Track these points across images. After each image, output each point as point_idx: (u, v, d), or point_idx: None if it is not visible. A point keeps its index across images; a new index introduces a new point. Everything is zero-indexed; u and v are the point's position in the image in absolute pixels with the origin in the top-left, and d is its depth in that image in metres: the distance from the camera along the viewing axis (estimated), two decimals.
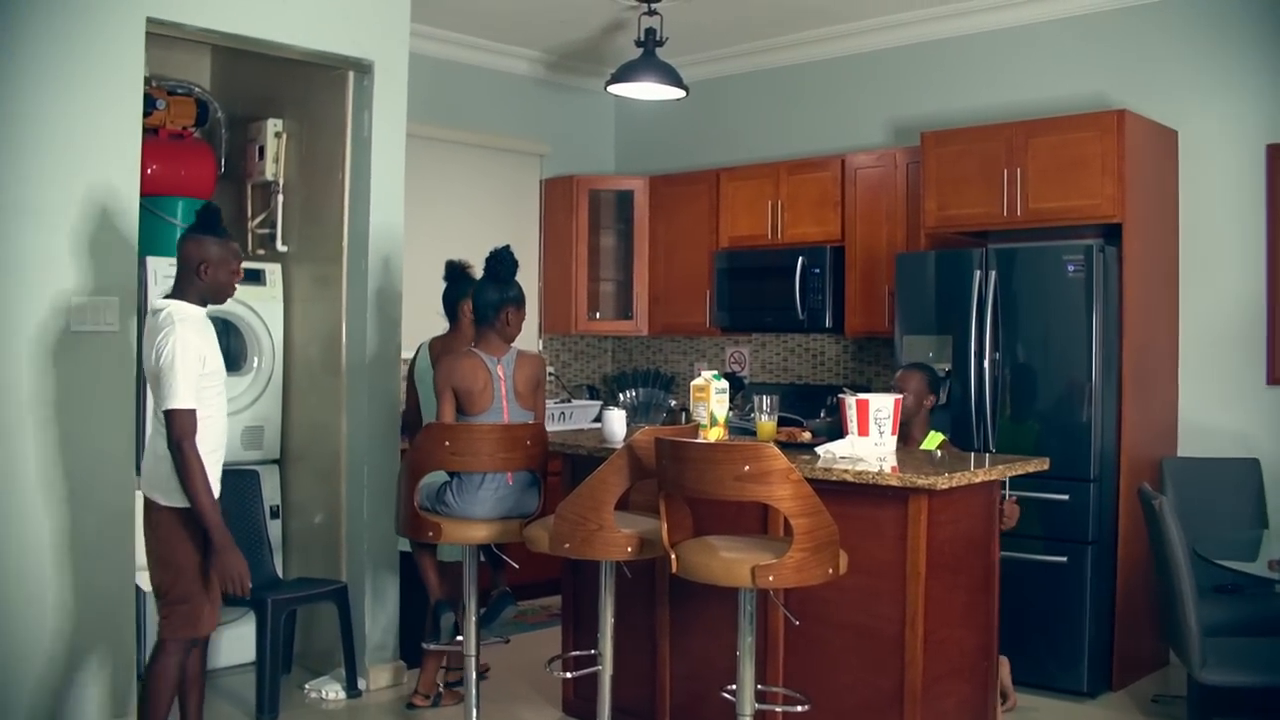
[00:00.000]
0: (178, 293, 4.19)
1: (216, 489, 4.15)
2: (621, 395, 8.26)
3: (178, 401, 3.97)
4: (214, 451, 4.16)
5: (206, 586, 4.15)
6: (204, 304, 4.22)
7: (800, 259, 7.14)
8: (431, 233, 7.24)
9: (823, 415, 7.07)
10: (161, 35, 5.03)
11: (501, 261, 4.95)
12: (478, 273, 5.12)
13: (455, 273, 5.63)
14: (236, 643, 5.79)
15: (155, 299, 4.25)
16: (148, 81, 5.00)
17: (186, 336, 4.02)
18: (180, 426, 3.97)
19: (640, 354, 8.69)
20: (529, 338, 8.16)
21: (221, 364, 4.26)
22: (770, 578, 3.69)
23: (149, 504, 4.14)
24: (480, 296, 4.94)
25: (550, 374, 8.28)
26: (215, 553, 4.04)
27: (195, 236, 4.20)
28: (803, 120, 7.78)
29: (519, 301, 4.96)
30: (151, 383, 4.08)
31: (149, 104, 5.54)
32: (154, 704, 4.15)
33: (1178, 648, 4.45)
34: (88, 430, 4.69)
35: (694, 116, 8.16)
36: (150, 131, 5.67)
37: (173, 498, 4.07)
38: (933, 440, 5.26)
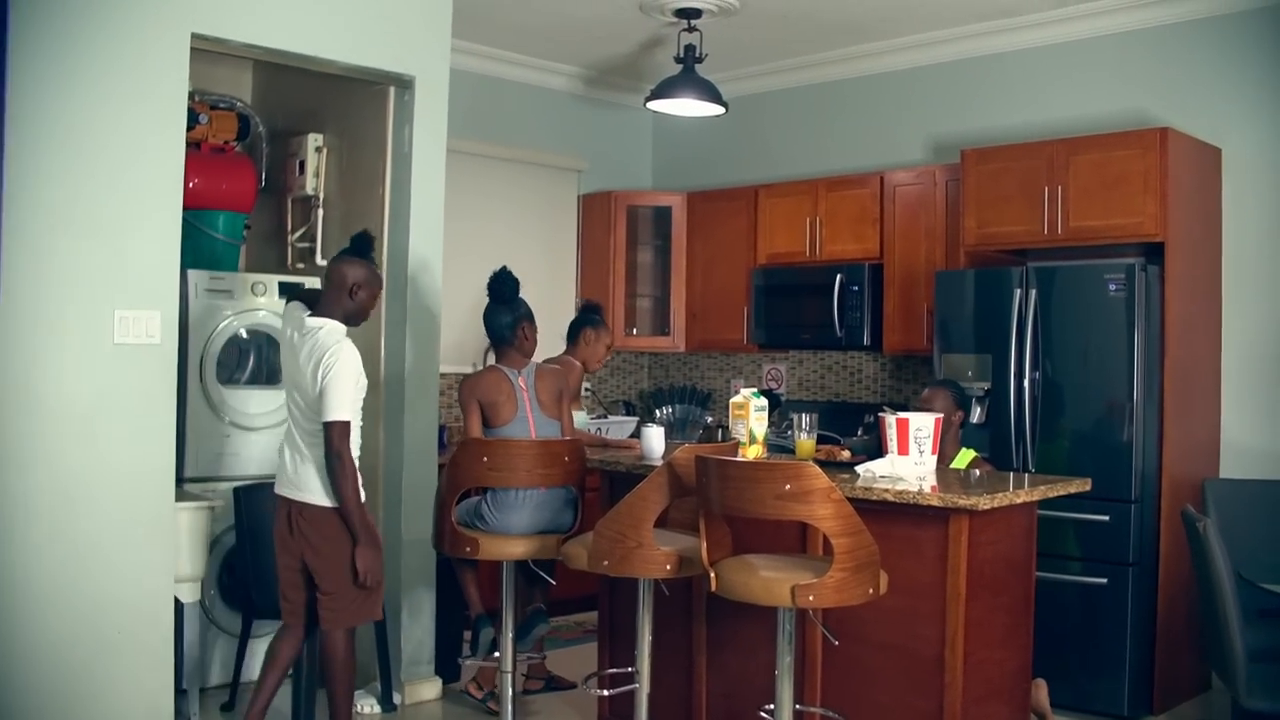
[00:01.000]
0: (325, 312, 4.53)
1: (362, 493, 4.50)
2: (658, 411, 8.25)
3: (343, 414, 4.34)
4: (356, 460, 4.49)
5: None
6: (347, 323, 4.57)
7: (839, 276, 7.12)
8: (469, 248, 7.26)
9: (860, 433, 7.05)
10: (205, 50, 5.06)
11: (504, 283, 5.22)
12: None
13: (587, 306, 6.14)
14: None
15: (307, 319, 4.53)
16: (190, 96, 5.04)
17: (351, 354, 4.41)
18: (341, 436, 4.34)
19: (677, 370, 8.68)
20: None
21: (365, 381, 4.55)
22: (810, 597, 3.67)
23: (307, 508, 4.45)
24: (494, 319, 5.16)
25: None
26: (359, 545, 4.41)
27: (351, 259, 4.58)
28: (842, 137, 7.76)
29: (530, 317, 5.20)
30: (309, 393, 4.40)
31: (191, 118, 5.58)
32: (339, 687, 4.57)
33: (1222, 673, 4.39)
34: (129, 442, 4.71)
35: (732, 133, 8.15)
36: (192, 145, 5.71)
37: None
38: (965, 458, 5.23)
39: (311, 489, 4.44)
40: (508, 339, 5.12)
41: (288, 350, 4.58)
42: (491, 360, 5.22)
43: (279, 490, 4.56)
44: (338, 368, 4.33)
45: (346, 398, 4.34)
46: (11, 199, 4.40)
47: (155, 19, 4.76)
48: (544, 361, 5.51)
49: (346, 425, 4.36)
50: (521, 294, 5.20)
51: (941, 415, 4.67)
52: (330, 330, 4.45)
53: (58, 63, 4.50)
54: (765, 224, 7.64)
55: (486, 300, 5.20)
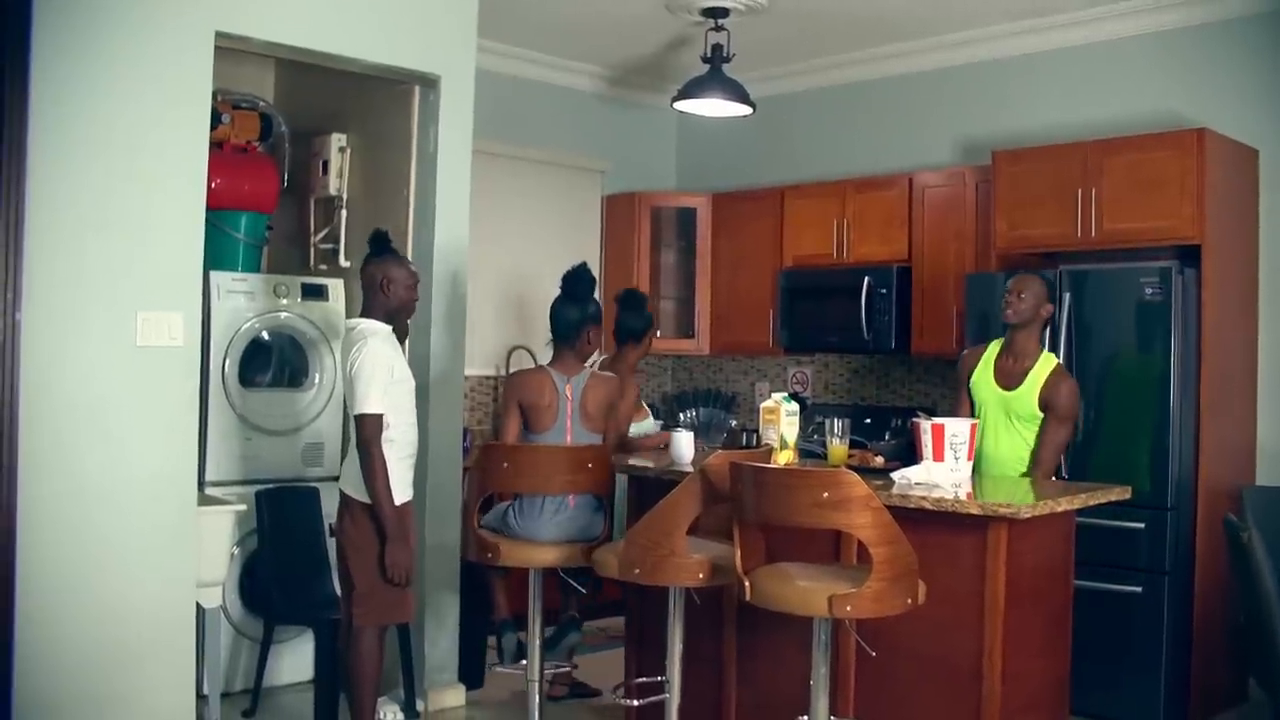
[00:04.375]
0: (365, 312, 4.64)
1: (410, 491, 4.64)
2: (682, 415, 8.17)
3: (367, 407, 4.42)
4: (408, 457, 4.64)
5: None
6: (389, 321, 4.64)
7: (866, 279, 7.02)
8: (492, 249, 7.19)
9: (887, 438, 6.96)
10: (227, 49, 5.00)
11: (580, 280, 5.03)
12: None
13: (627, 301, 5.87)
14: (296, 661, 5.75)
15: (346, 321, 4.82)
16: (213, 96, 4.98)
17: (376, 347, 4.47)
18: (369, 429, 4.42)
19: (701, 373, 8.60)
20: None
21: (409, 373, 4.67)
22: (848, 607, 3.60)
23: (351, 503, 4.56)
24: (560, 316, 4.98)
25: None
26: (386, 542, 4.46)
27: (375, 258, 4.65)
28: (870, 138, 7.66)
29: (599, 319, 5.06)
30: (347, 391, 4.55)
31: (213, 118, 5.50)
32: (361, 688, 4.58)
33: (1265, 682, 4.31)
34: (151, 444, 4.66)
35: (758, 133, 8.05)
36: (214, 145, 5.63)
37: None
38: (1047, 362, 4.95)
39: (352, 483, 4.56)
40: (569, 338, 4.99)
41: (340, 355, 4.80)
42: (551, 354, 5.10)
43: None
44: (360, 360, 4.42)
45: (373, 391, 4.41)
46: (34, 199, 4.35)
47: (179, 18, 4.71)
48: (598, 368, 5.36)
49: (376, 419, 4.42)
50: (555, 295, 5.10)
51: (1019, 299, 4.82)
52: (361, 329, 4.55)
53: (80, 62, 4.46)
54: (791, 226, 7.55)
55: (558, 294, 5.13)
